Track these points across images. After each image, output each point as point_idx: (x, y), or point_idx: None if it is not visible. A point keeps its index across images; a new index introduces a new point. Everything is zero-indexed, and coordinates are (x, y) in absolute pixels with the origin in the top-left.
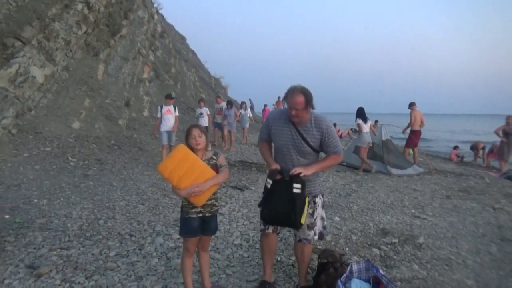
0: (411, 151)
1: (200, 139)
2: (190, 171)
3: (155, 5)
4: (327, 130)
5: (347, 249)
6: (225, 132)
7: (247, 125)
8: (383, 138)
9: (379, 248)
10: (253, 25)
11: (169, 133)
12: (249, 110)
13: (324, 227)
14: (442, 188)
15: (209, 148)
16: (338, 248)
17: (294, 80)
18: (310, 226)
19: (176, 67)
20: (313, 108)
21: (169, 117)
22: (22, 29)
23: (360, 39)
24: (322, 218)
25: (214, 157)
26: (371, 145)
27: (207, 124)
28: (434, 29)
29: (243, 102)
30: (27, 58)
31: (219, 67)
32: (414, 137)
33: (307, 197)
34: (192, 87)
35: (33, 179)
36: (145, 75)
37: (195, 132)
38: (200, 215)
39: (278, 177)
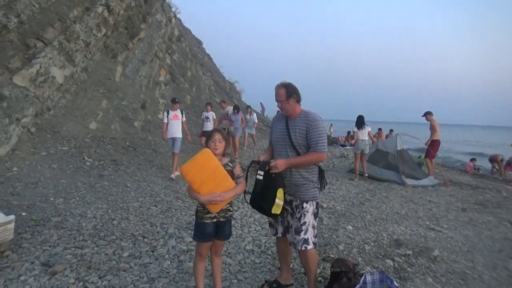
0: (421, 158)
1: (219, 144)
2: (211, 177)
3: (173, 9)
4: (313, 123)
5: (360, 259)
6: (236, 139)
7: (254, 131)
8: (398, 148)
9: (393, 260)
10: (269, 30)
11: (174, 139)
12: (254, 115)
13: (315, 237)
14: (457, 200)
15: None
16: (351, 257)
17: (308, 85)
18: (297, 230)
19: (192, 71)
20: (298, 100)
21: (175, 123)
22: (44, 30)
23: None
24: (314, 227)
25: (230, 164)
26: (366, 152)
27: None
28: (443, 35)
29: (248, 107)
30: (48, 59)
31: (234, 71)
32: (434, 147)
33: (279, 190)
34: (207, 91)
35: (50, 178)
36: (161, 78)
37: (217, 136)
38: (215, 220)
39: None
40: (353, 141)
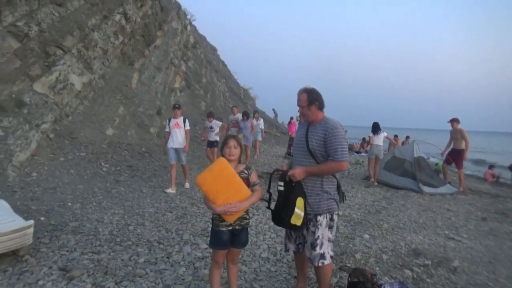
0: (439, 165)
1: (234, 150)
2: (227, 187)
3: (189, 17)
4: (331, 130)
5: (377, 268)
6: (247, 148)
7: (260, 137)
8: (415, 155)
9: (411, 270)
10: (284, 36)
11: (177, 150)
12: (261, 120)
13: (331, 250)
14: (477, 209)
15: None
16: (368, 267)
17: (322, 91)
18: (313, 245)
19: (207, 78)
20: (320, 107)
21: (177, 131)
22: (64, 38)
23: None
24: (329, 240)
25: (246, 172)
26: (380, 157)
27: (217, 139)
28: (456, 42)
29: (255, 111)
30: (67, 66)
31: (248, 78)
32: (462, 157)
33: (299, 199)
34: (221, 97)
35: (68, 183)
36: (177, 85)
37: (232, 143)
38: (230, 228)
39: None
40: (367, 147)
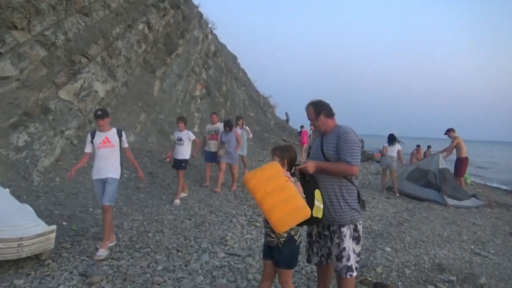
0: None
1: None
2: (278, 191)
3: (210, 25)
4: (342, 135)
5: (399, 283)
6: (223, 166)
7: (245, 151)
8: (440, 166)
9: (435, 286)
10: (303, 44)
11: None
12: (247, 129)
13: (357, 262)
14: (504, 223)
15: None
16: (390, 281)
17: (341, 100)
18: (338, 257)
19: (227, 85)
20: (328, 115)
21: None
22: (89, 47)
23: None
24: (354, 252)
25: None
26: (392, 168)
27: (186, 157)
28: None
29: (239, 117)
30: (91, 74)
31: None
32: (463, 165)
33: (317, 191)
34: (241, 105)
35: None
36: (197, 93)
37: (271, 154)
38: (266, 242)
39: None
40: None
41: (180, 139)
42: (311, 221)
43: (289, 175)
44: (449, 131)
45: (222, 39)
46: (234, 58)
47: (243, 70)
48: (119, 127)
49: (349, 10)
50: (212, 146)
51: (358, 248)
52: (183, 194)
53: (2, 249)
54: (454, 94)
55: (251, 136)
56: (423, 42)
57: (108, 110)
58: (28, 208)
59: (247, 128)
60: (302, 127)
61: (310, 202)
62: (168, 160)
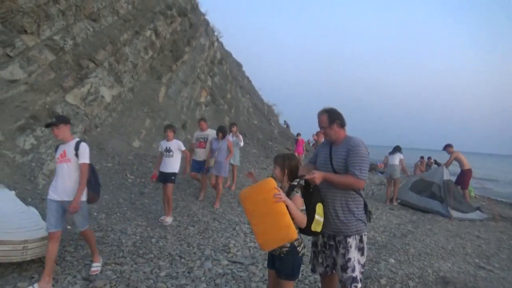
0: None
1: (274, 171)
2: (265, 211)
3: (216, 33)
4: (353, 148)
5: None
6: (213, 180)
7: (238, 161)
8: (445, 178)
9: None
10: (307, 52)
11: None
12: (241, 137)
13: (361, 273)
14: (509, 237)
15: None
16: None
17: (344, 108)
18: (343, 267)
19: (232, 93)
20: (342, 125)
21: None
22: (97, 52)
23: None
24: (359, 263)
25: (288, 195)
26: (394, 177)
27: (175, 170)
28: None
29: (232, 124)
30: (98, 79)
31: (272, 94)
32: (467, 177)
33: (319, 204)
34: (245, 113)
35: None
36: (202, 99)
37: (275, 161)
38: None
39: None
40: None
41: (168, 150)
42: (310, 234)
43: (280, 193)
44: (446, 147)
45: (228, 47)
46: (239, 66)
47: (247, 78)
48: (124, 132)
49: (349, 18)
50: (200, 154)
51: (363, 259)
52: (169, 220)
53: (6, 251)
54: (449, 106)
55: (242, 144)
56: (428, 50)
57: (66, 117)
58: (33, 211)
59: (240, 136)
60: (298, 135)
61: (311, 215)
62: (153, 179)
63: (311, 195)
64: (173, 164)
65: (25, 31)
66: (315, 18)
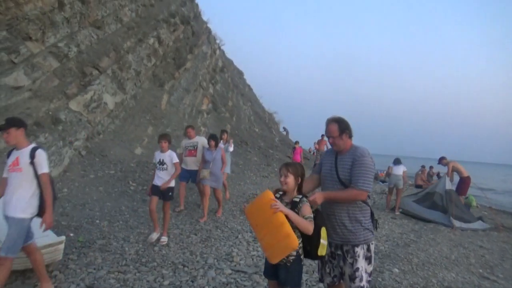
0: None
1: (286, 179)
2: (266, 223)
3: (218, 41)
4: (358, 158)
5: None
6: (207, 190)
7: (229, 169)
8: (447, 188)
9: None
10: (308, 59)
11: (158, 189)
12: (231, 141)
13: (368, 282)
14: None
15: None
16: None
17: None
18: (351, 277)
19: (233, 101)
20: (350, 135)
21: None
22: (100, 59)
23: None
24: (366, 272)
25: (297, 203)
26: (399, 187)
27: (171, 184)
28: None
29: (223, 131)
30: (101, 86)
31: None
32: (465, 184)
33: (323, 229)
34: (246, 120)
35: (96, 200)
36: (204, 107)
37: (283, 170)
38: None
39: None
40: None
41: (162, 163)
42: (316, 259)
43: (277, 203)
44: (441, 160)
45: (229, 54)
46: (240, 73)
47: (249, 86)
48: (127, 139)
49: (352, 23)
50: (190, 163)
51: (370, 268)
52: (164, 239)
53: None
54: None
55: (231, 149)
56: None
57: (20, 119)
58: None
59: (231, 141)
60: (296, 143)
61: (316, 239)
62: (148, 193)
63: (315, 219)
64: (167, 178)
65: (30, 38)
66: (318, 24)
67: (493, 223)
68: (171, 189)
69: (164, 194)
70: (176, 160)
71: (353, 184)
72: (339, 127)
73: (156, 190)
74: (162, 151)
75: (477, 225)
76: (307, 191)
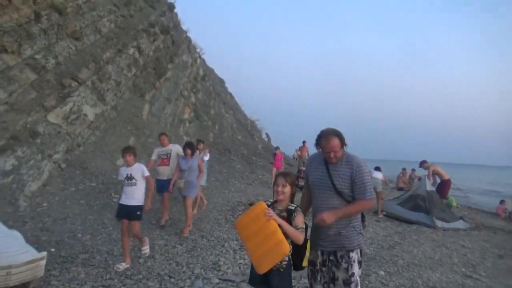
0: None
1: (284, 189)
2: (258, 232)
3: (198, 50)
4: (357, 168)
5: None
6: (189, 201)
7: (205, 181)
8: (428, 189)
9: None
10: (291, 66)
11: (127, 209)
12: (207, 151)
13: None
14: (493, 246)
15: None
16: None
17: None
18: (346, 282)
19: (215, 109)
20: (345, 145)
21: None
22: (79, 70)
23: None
24: (359, 276)
25: (292, 212)
26: (378, 190)
27: (140, 202)
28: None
29: (199, 141)
30: (81, 98)
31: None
32: (446, 186)
33: (308, 241)
34: (229, 128)
35: (78, 214)
36: (186, 116)
37: (279, 180)
38: None
39: None
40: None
41: (130, 178)
42: (301, 269)
43: (270, 211)
44: (422, 164)
45: (210, 63)
46: (221, 82)
47: (230, 94)
48: (108, 150)
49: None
50: (163, 173)
51: (360, 271)
52: (144, 250)
53: None
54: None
55: (207, 158)
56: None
57: None
58: (16, 234)
59: (207, 151)
60: (277, 148)
61: (302, 251)
62: (116, 216)
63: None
64: (137, 195)
65: (6, 50)
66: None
67: (473, 223)
68: (139, 207)
69: (131, 213)
70: (147, 173)
71: (360, 196)
72: (341, 141)
73: (124, 211)
74: (128, 165)
75: (459, 224)
76: (304, 209)
